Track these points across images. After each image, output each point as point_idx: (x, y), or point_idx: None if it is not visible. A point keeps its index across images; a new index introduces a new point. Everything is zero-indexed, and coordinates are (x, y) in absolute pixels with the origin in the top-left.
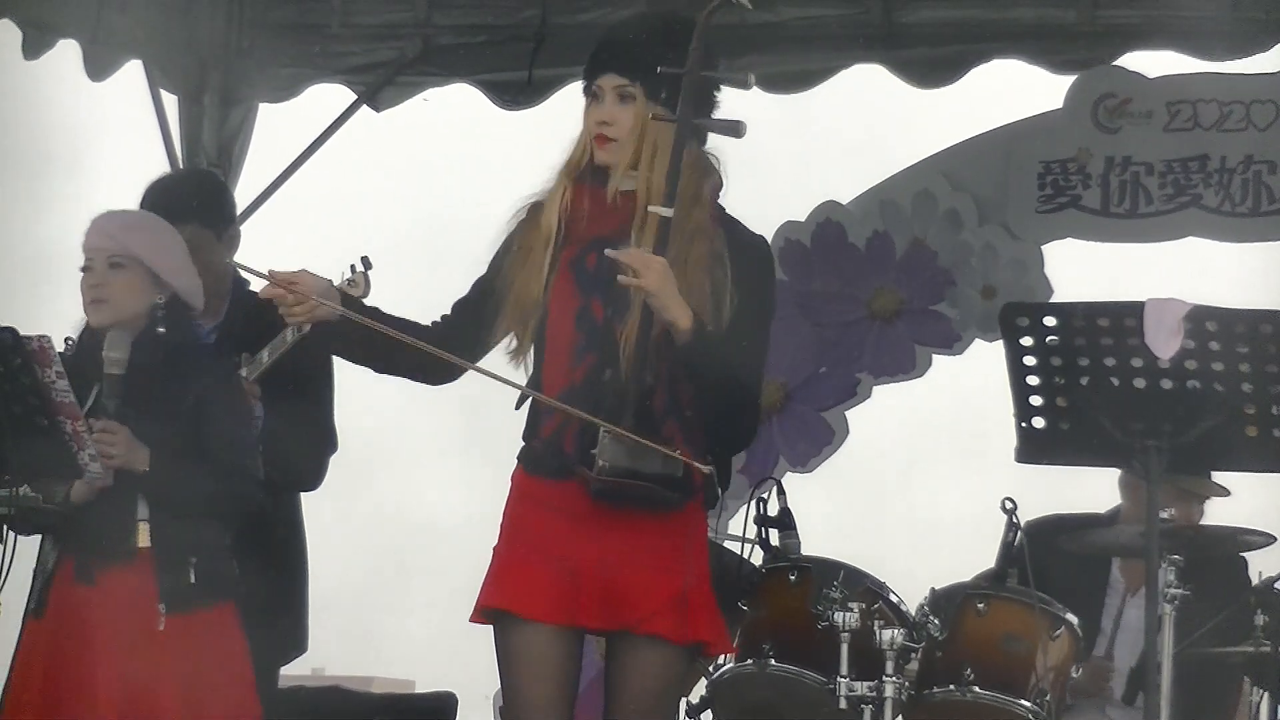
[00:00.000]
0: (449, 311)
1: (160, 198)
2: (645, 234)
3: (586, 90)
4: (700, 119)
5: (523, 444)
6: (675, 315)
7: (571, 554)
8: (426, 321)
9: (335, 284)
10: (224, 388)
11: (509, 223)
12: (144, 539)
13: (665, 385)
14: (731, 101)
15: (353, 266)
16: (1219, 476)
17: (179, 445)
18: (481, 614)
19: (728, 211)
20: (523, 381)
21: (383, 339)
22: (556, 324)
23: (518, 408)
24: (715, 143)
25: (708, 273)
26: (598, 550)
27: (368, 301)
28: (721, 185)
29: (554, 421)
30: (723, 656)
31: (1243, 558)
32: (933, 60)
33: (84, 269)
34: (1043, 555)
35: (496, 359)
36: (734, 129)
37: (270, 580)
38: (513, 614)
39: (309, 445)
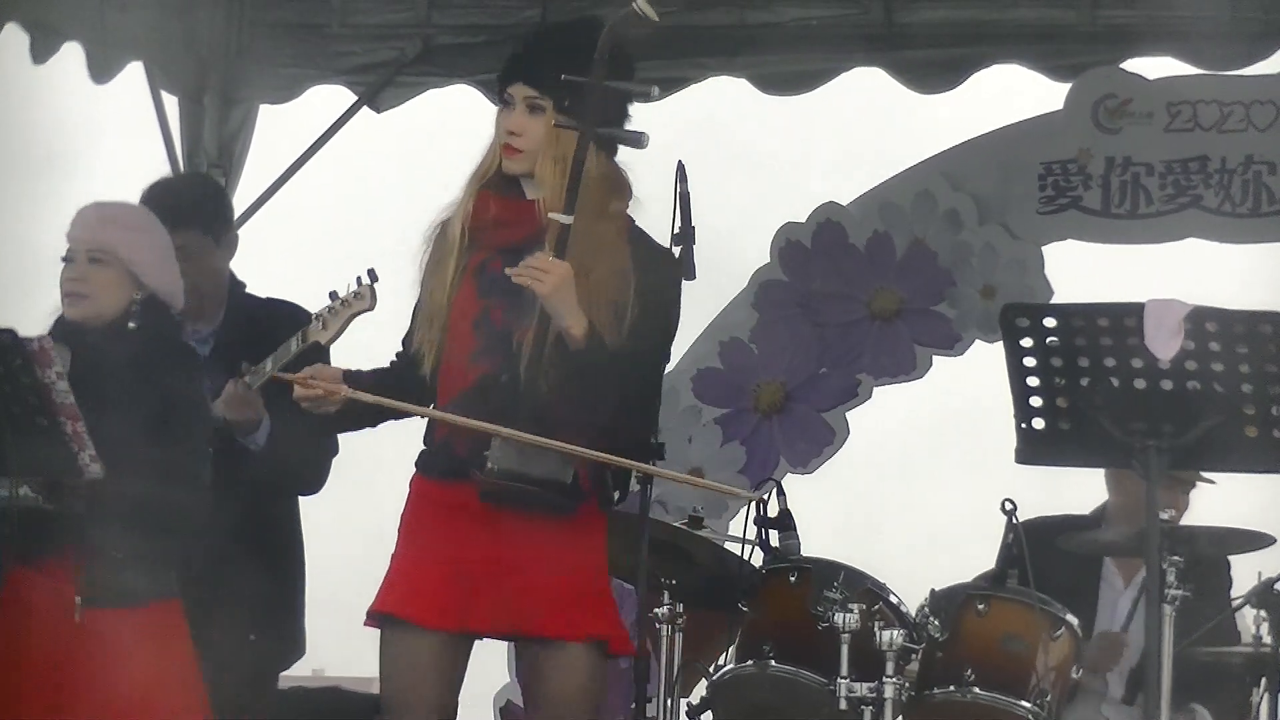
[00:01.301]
0: (400, 347)
1: (159, 202)
2: (551, 242)
3: (499, 96)
4: (605, 129)
5: (423, 450)
6: (569, 321)
7: (465, 556)
8: (385, 362)
9: (341, 295)
10: (187, 393)
11: (424, 240)
12: (73, 534)
13: (561, 392)
14: (731, 101)
15: (359, 279)
16: (1208, 473)
17: (133, 443)
18: (373, 618)
19: (636, 224)
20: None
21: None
22: (456, 328)
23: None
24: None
25: (611, 288)
26: (492, 552)
27: (370, 316)
28: (630, 198)
29: (447, 427)
30: (723, 657)
31: (1227, 560)
32: (932, 64)
33: (65, 259)
34: (1035, 557)
35: None
36: (637, 140)
37: (268, 583)
38: (403, 620)
39: (311, 449)
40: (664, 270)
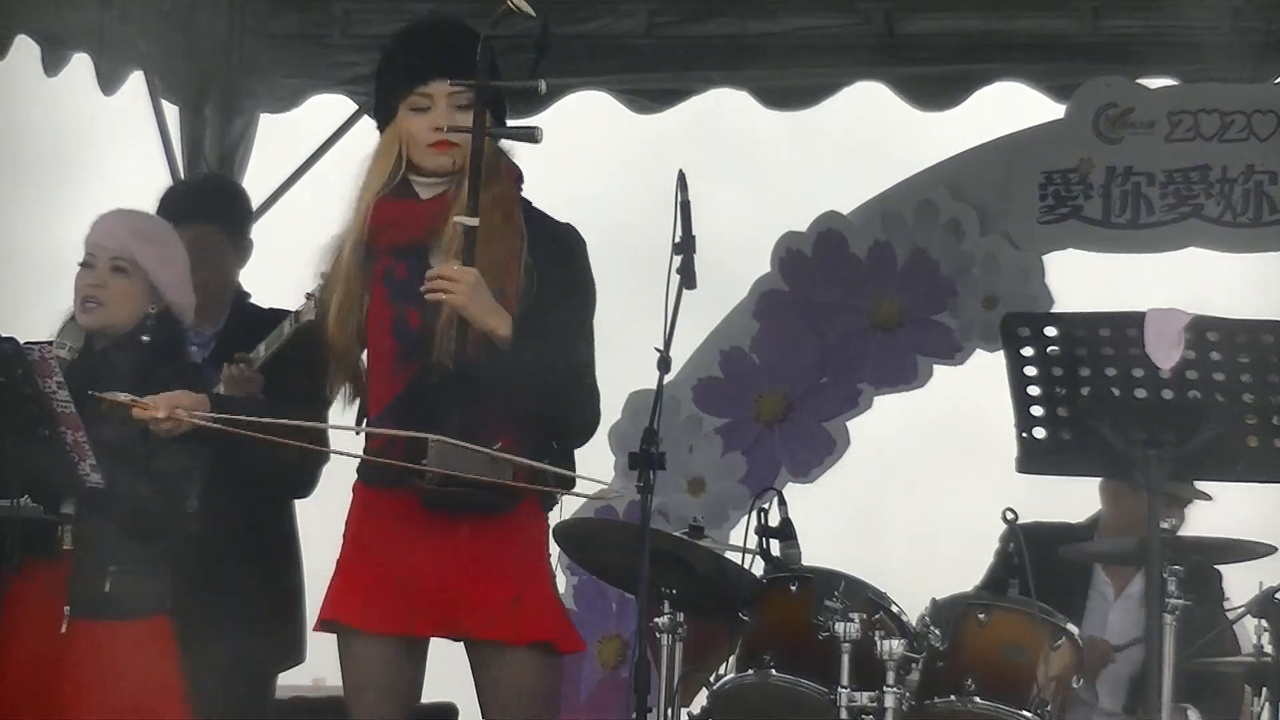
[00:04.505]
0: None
1: (184, 195)
2: (452, 239)
3: (399, 99)
4: (497, 128)
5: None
6: (492, 325)
7: (407, 562)
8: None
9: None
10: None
11: (317, 275)
12: (66, 542)
13: (490, 387)
14: (732, 111)
15: (309, 295)
16: (1205, 484)
17: (131, 454)
18: (322, 625)
19: (533, 205)
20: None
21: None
22: (375, 337)
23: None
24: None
25: (512, 272)
26: (433, 558)
27: None
28: (521, 179)
29: (381, 436)
30: (723, 666)
31: (1217, 570)
32: (934, 80)
33: (84, 264)
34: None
35: None
36: (531, 135)
37: (265, 588)
38: (349, 626)
39: (302, 452)
40: (564, 246)
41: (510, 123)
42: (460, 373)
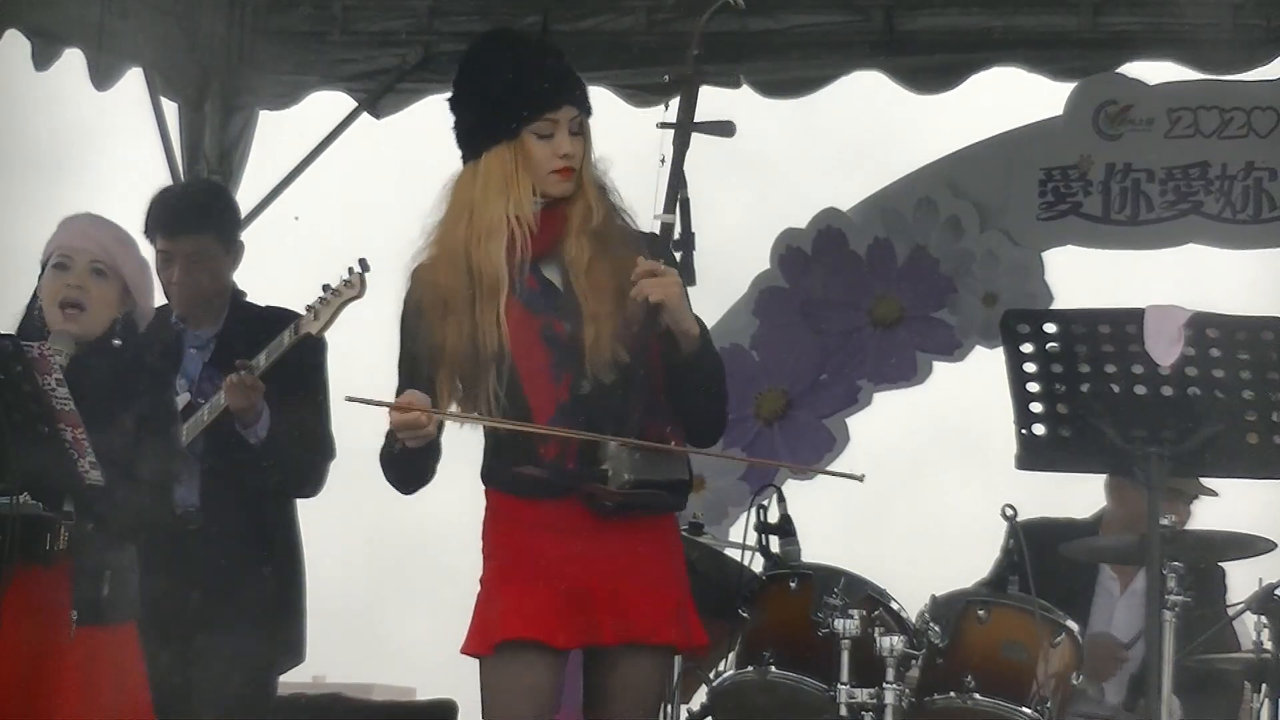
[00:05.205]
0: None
1: (175, 205)
2: (580, 246)
3: (525, 127)
4: (699, 122)
5: (503, 470)
6: (689, 325)
7: (578, 573)
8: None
9: (333, 286)
10: (163, 414)
11: (408, 290)
12: (63, 542)
13: (645, 388)
14: (731, 106)
15: (350, 269)
16: (1210, 479)
17: (115, 459)
18: (500, 646)
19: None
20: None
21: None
22: (523, 350)
23: (484, 452)
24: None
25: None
26: (603, 565)
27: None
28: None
29: (554, 444)
30: (723, 663)
31: (1221, 568)
32: (933, 67)
33: (57, 266)
34: (1033, 558)
35: None
36: (725, 129)
37: (267, 588)
38: (537, 642)
39: (308, 452)
40: (660, 245)
41: None
42: (625, 376)
